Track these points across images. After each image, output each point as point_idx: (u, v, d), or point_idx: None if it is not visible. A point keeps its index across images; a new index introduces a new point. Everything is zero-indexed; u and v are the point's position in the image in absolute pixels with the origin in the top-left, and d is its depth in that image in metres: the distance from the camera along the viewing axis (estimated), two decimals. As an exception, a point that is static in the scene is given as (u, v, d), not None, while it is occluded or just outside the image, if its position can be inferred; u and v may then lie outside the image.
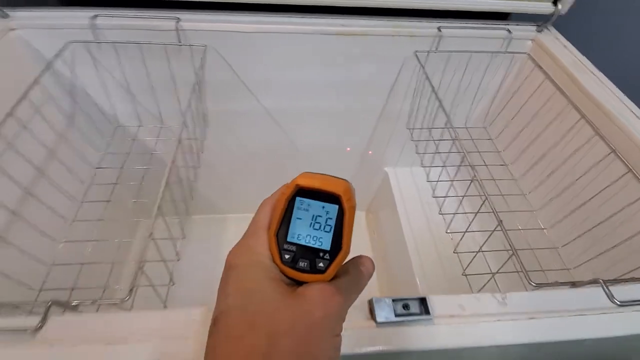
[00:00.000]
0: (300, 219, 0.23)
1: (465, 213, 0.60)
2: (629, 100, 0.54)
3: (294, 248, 0.23)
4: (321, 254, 0.23)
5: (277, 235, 0.23)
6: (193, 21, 0.63)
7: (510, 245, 0.43)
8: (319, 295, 0.21)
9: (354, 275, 0.24)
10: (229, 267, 0.23)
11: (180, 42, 0.64)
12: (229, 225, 1.00)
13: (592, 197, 0.55)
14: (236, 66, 0.70)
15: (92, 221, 0.67)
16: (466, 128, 0.79)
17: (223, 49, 0.67)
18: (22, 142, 0.56)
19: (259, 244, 0.23)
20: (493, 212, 0.46)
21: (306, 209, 0.23)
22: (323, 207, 0.23)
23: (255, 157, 0.89)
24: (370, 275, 0.25)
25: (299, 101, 0.77)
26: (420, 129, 0.75)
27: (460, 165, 0.54)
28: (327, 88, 0.75)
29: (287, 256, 0.23)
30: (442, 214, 0.64)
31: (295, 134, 0.84)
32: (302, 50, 0.68)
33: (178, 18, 0.62)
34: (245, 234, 0.24)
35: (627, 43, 0.89)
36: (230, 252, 0.24)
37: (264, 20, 0.65)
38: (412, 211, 0.83)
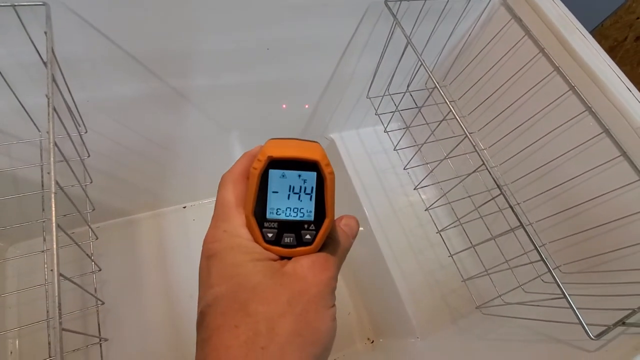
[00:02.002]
0: (276, 192, 0.21)
1: (427, 163, 0.60)
2: (618, 68, 0.49)
3: (275, 225, 0.21)
4: (306, 226, 0.22)
5: (254, 214, 0.21)
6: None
7: (496, 183, 0.42)
8: (310, 271, 0.21)
9: (338, 239, 0.23)
10: (208, 257, 0.21)
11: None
12: (139, 228, 0.80)
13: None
14: (115, 34, 0.43)
15: None
16: (427, 89, 0.69)
17: (85, 8, 0.39)
18: None
19: (235, 226, 0.21)
20: (476, 150, 0.42)
21: (281, 180, 0.21)
22: (300, 176, 0.21)
23: (163, 148, 0.65)
24: (356, 235, 0.25)
25: (218, 76, 0.55)
26: (389, 94, 0.63)
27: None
28: (259, 55, 0.53)
29: (269, 234, 0.21)
30: (407, 168, 0.64)
31: (214, 115, 0.62)
32: (219, 3, 0.44)
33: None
34: (215, 218, 0.22)
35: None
36: (205, 240, 0.22)
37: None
38: (365, 173, 0.77)
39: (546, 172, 0.58)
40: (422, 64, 0.48)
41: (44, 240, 0.43)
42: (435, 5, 0.55)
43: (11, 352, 0.64)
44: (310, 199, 0.21)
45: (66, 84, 0.42)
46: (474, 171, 0.46)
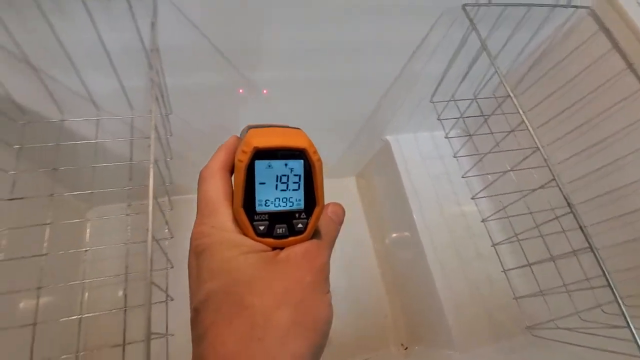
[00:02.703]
0: (263, 183, 0.21)
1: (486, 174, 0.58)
2: None
3: (266, 217, 0.21)
4: (297, 215, 0.21)
5: (243, 208, 0.20)
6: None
7: (567, 202, 0.41)
8: (304, 258, 0.21)
9: (326, 226, 0.23)
10: (198, 253, 0.21)
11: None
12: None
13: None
14: (203, 26, 0.47)
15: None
16: (494, 97, 0.67)
17: (183, 2, 0.43)
18: None
19: (222, 220, 0.21)
20: (547, 165, 0.41)
21: (267, 171, 0.20)
22: (286, 165, 0.20)
23: (228, 134, 0.69)
24: (342, 221, 0.24)
25: (287, 70, 0.58)
26: (454, 100, 0.62)
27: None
28: (329, 52, 0.55)
29: (261, 227, 0.21)
30: (465, 177, 0.62)
31: (283, 107, 0.65)
32: (300, 3, 0.46)
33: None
34: (200, 214, 0.22)
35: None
36: (192, 237, 0.21)
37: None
38: (417, 178, 0.76)
39: (620, 196, 0.54)
40: (496, 71, 0.47)
41: (129, 205, 0.49)
42: (515, 11, 0.53)
43: (81, 303, 0.73)
44: (299, 187, 0.21)
45: (162, 70, 0.46)
46: (542, 186, 0.44)
